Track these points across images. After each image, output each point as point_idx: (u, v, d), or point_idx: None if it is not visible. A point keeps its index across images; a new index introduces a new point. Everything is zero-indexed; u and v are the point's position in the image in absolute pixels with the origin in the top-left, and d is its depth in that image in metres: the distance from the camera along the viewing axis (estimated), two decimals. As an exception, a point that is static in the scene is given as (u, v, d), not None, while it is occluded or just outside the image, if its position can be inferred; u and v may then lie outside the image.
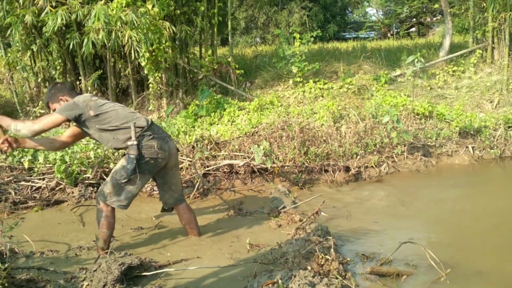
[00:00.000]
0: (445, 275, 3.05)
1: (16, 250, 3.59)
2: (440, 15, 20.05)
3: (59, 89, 3.62)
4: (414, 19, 24.00)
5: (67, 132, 3.73)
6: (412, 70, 7.00)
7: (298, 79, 8.25)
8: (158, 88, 7.36)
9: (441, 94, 8.27)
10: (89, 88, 7.52)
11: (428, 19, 23.60)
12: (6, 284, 2.70)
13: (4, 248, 3.12)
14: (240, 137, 5.88)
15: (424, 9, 22.39)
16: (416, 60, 6.75)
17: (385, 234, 3.97)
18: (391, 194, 5.21)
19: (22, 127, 3.33)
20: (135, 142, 3.38)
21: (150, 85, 7.28)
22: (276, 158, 5.57)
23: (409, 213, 4.56)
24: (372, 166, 5.85)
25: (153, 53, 6.92)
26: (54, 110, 3.53)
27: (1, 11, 6.87)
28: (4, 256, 3.09)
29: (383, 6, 25.49)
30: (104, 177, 5.22)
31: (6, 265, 2.77)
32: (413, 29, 25.19)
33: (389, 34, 24.95)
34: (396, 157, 6.08)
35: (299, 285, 2.66)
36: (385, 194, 5.19)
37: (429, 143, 6.37)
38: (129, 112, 3.53)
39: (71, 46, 6.95)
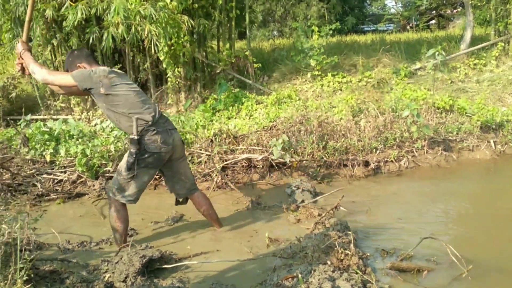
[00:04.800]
0: (466, 272, 3.00)
1: (40, 242, 3.63)
2: (460, 7, 19.73)
3: (77, 56, 3.50)
4: (434, 11, 23.63)
5: None
6: (432, 63, 6.88)
7: (316, 73, 8.19)
8: (177, 82, 7.39)
9: (462, 88, 8.14)
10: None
11: (448, 11, 23.20)
12: (32, 275, 2.73)
13: (28, 239, 3.14)
14: (258, 131, 5.84)
15: (444, 1, 21.99)
16: (437, 53, 6.63)
17: (406, 229, 3.91)
18: (411, 189, 5.14)
19: (37, 71, 3.35)
20: (136, 137, 3.28)
21: (169, 79, 7.31)
22: (294, 152, 5.55)
23: (429, 208, 4.48)
24: (391, 161, 5.79)
25: (172, 47, 6.94)
26: None
27: (22, 6, 6.93)
28: (29, 247, 3.12)
29: (402, -2, 25.16)
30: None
31: (31, 256, 2.79)
32: (432, 21, 24.80)
33: (408, 27, 24.64)
34: (416, 151, 6.00)
35: (319, 280, 2.63)
36: (405, 189, 5.13)
37: (450, 138, 6.26)
38: (139, 101, 3.36)
39: (90, 40, 7.02)
